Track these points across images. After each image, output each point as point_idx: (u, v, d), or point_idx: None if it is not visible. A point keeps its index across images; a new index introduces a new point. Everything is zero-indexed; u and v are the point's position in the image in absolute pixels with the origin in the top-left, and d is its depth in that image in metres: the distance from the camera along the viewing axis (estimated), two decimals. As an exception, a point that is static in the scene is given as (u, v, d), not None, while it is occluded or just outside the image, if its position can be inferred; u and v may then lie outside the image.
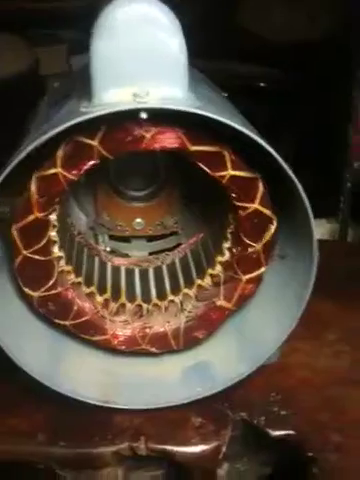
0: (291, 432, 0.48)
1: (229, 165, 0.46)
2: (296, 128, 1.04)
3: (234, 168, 0.46)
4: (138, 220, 0.62)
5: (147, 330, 0.53)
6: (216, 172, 0.46)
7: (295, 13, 1.05)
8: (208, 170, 0.46)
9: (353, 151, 0.82)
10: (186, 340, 0.53)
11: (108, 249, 0.63)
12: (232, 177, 0.46)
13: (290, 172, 0.44)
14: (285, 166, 0.44)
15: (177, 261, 0.60)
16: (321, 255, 0.47)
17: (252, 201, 0.47)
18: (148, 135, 0.44)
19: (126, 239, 0.63)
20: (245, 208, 0.47)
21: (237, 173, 0.46)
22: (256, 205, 0.47)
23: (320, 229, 0.87)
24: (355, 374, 0.54)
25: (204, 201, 0.60)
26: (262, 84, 1.10)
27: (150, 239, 0.63)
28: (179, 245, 0.62)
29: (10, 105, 1.00)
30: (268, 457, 0.52)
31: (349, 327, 0.60)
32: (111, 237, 0.63)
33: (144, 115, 0.42)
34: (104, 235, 0.63)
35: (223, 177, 0.46)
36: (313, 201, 0.49)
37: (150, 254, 0.63)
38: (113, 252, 0.62)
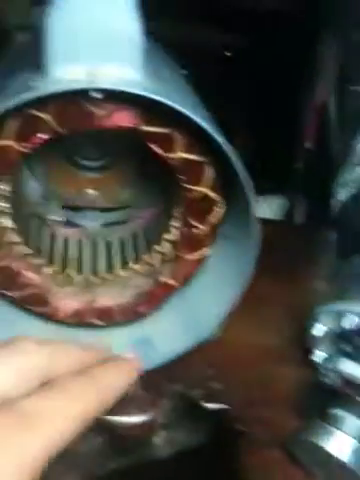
0: (225, 406, 0.51)
1: (179, 147, 0.47)
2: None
3: (184, 151, 0.47)
4: (90, 191, 0.62)
5: (93, 303, 0.54)
6: (166, 153, 0.47)
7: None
8: (159, 150, 0.47)
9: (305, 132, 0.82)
10: (130, 314, 0.54)
11: (59, 219, 0.63)
12: (181, 159, 0.47)
13: (231, 153, 0.45)
14: (228, 150, 0.44)
15: (128, 236, 0.61)
16: (265, 234, 0.48)
17: (199, 184, 0.48)
18: (102, 113, 0.45)
19: (79, 210, 0.64)
20: (192, 190, 0.48)
21: (187, 156, 0.47)
22: (203, 188, 0.48)
23: (272, 207, 0.88)
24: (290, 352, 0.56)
25: (158, 178, 0.61)
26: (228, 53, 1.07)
27: (103, 211, 0.64)
28: (132, 219, 0.63)
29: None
30: (203, 427, 0.54)
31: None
32: (63, 207, 0.63)
33: (97, 95, 0.42)
34: (56, 205, 0.63)
35: (173, 159, 0.47)
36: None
37: (103, 226, 0.63)
38: (64, 222, 0.63)
